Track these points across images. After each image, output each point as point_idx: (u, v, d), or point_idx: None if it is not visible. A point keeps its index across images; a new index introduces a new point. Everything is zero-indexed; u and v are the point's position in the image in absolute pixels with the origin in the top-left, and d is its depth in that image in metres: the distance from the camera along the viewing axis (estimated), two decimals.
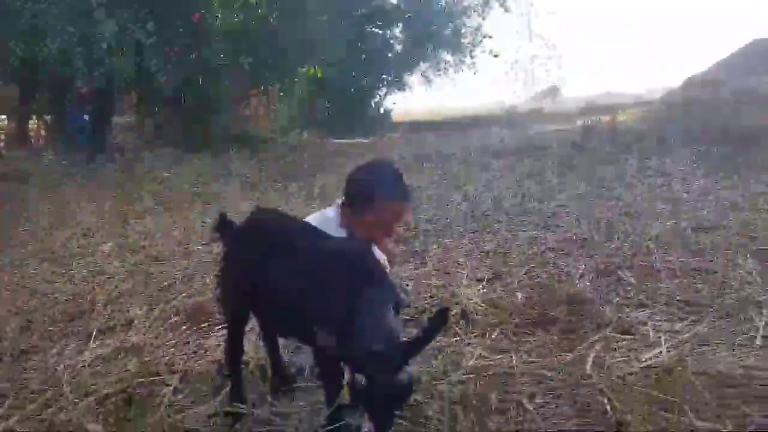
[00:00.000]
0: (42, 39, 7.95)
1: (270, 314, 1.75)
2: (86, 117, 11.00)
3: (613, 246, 3.21)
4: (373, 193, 1.87)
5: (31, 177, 7.77)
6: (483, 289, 2.68)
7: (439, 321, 1.35)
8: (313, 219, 1.97)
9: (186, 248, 3.83)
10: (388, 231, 1.92)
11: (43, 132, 11.88)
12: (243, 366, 2.00)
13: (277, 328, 1.85)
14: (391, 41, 23.83)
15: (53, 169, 8.57)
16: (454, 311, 2.37)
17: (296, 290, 1.55)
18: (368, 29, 21.53)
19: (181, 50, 10.82)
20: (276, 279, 1.61)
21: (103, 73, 9.27)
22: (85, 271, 3.38)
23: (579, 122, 13.32)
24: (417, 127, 20.80)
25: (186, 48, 10.95)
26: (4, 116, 11.01)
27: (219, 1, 14.69)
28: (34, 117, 11.75)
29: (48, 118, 11.82)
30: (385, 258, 1.92)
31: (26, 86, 10.39)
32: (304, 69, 16.98)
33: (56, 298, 2.93)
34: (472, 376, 1.90)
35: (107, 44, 9.01)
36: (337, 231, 1.88)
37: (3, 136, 10.50)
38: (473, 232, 3.82)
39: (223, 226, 1.90)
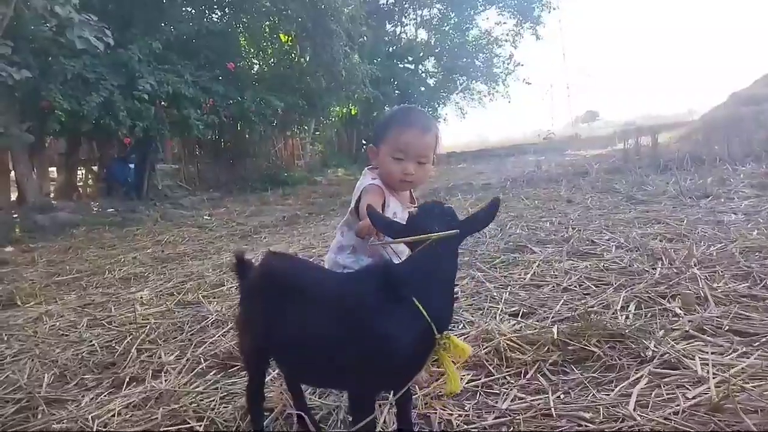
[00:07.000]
0: (85, 94, 8.36)
1: (293, 362, 1.67)
2: (131, 166, 11.47)
3: (656, 273, 3.06)
4: (389, 120, 1.92)
5: (77, 226, 8.07)
6: (517, 324, 2.58)
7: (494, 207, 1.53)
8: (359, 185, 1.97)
9: (220, 290, 3.85)
10: (406, 168, 1.86)
11: (90, 182, 12.38)
12: (267, 413, 1.96)
13: (301, 376, 1.78)
14: (423, 74, 24.15)
15: (98, 218, 8.90)
16: (487, 349, 2.28)
17: (324, 336, 1.49)
18: (399, 65, 21.90)
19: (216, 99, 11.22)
20: (298, 325, 1.55)
21: (144, 124, 9.66)
22: (122, 317, 3.42)
23: (617, 146, 13.08)
24: (453, 158, 20.81)
25: (222, 96, 11.33)
26: (53, 168, 11.54)
27: (254, 49, 15.26)
28: (82, 168, 12.27)
29: (94, 168, 12.34)
30: (402, 205, 1.95)
31: (72, 139, 10.91)
32: (336, 108, 17.33)
33: (93, 345, 2.96)
34: (506, 419, 1.80)
35: (147, 95, 9.43)
36: (369, 181, 1.92)
37: (52, 188, 10.97)
38: (506, 264, 3.71)
39: (240, 267, 1.80)
